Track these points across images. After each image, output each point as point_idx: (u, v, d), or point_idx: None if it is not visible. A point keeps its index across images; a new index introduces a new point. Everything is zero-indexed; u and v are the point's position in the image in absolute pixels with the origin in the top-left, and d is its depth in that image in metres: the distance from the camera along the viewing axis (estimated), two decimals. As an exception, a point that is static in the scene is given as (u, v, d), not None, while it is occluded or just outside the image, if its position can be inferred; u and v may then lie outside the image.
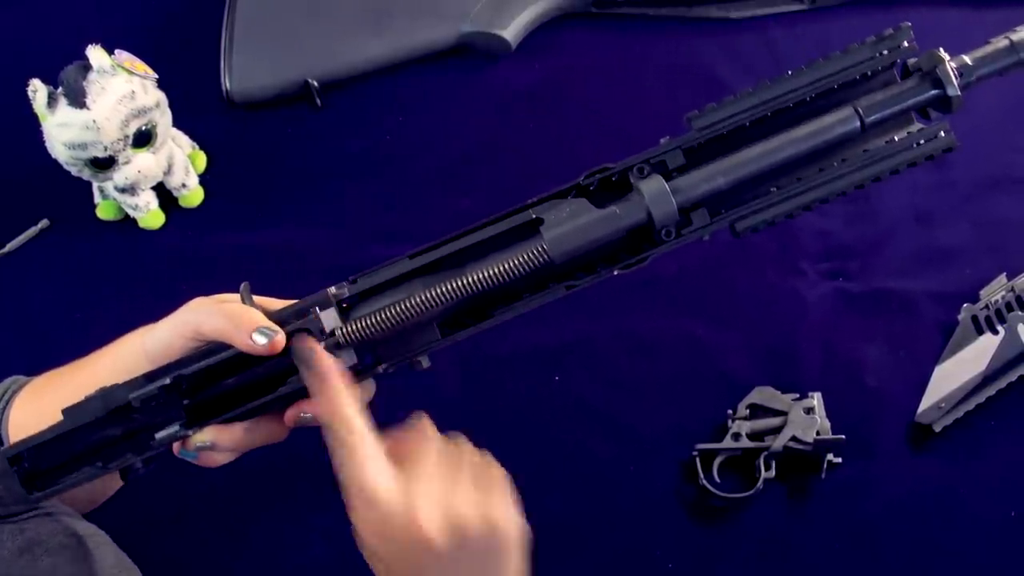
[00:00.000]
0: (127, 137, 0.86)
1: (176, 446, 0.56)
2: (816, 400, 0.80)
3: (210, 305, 0.59)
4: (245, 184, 0.99)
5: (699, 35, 1.06)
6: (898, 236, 0.91)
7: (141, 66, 0.87)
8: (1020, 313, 0.82)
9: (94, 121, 0.83)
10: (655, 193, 0.55)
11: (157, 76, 0.89)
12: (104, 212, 0.95)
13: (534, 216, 0.57)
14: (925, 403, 0.81)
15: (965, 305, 0.84)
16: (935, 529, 0.77)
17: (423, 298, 0.54)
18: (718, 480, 0.78)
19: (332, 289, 0.56)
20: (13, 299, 0.92)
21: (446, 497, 0.54)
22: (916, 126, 0.58)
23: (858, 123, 0.56)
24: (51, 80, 0.84)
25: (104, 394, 0.55)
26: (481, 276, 0.55)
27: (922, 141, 0.57)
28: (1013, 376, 0.81)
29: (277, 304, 0.60)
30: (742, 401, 0.81)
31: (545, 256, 0.55)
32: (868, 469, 0.79)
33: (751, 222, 0.56)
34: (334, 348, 0.55)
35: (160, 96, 0.89)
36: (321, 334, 0.55)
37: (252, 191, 0.99)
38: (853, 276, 0.89)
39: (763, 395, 0.81)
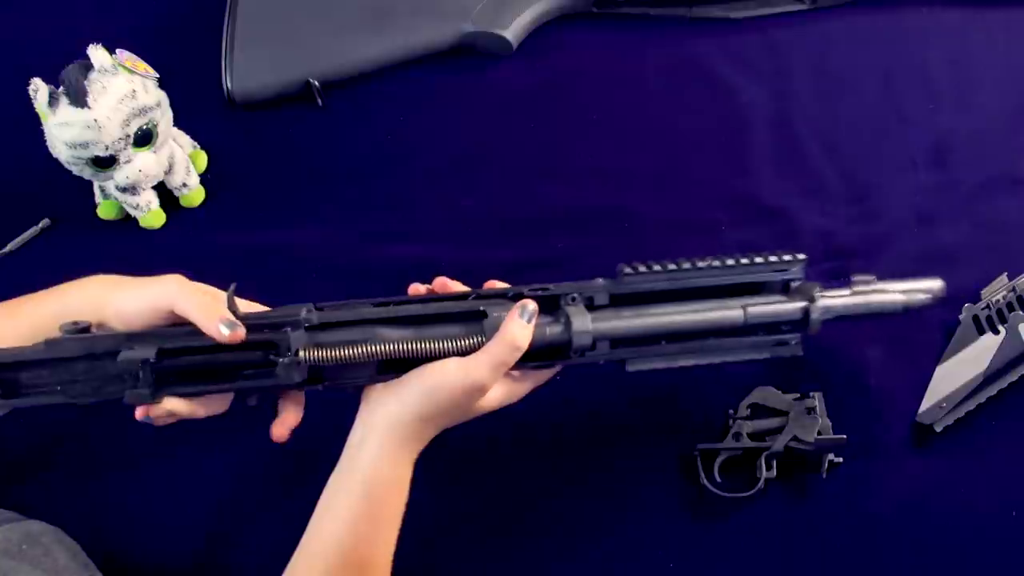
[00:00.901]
0: (128, 136, 0.86)
1: (140, 411, 0.66)
2: (817, 400, 0.80)
3: (189, 288, 0.67)
4: (246, 184, 0.99)
5: (699, 35, 1.06)
6: (899, 236, 0.91)
7: (142, 65, 0.87)
8: (1021, 313, 0.82)
9: (95, 120, 0.83)
10: (580, 325, 0.69)
11: (158, 75, 0.89)
12: (105, 212, 0.95)
13: (481, 308, 0.69)
14: (926, 403, 0.81)
15: (966, 305, 0.84)
16: (936, 529, 0.77)
17: (379, 349, 0.66)
18: (719, 480, 0.78)
19: (303, 312, 0.66)
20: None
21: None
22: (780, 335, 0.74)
23: (742, 320, 0.72)
24: (52, 80, 0.84)
25: (90, 342, 0.65)
26: (428, 346, 0.67)
27: (778, 344, 0.74)
28: (1014, 376, 0.81)
29: (257, 307, 0.70)
30: (743, 401, 0.81)
31: (481, 345, 0.68)
32: (869, 469, 0.79)
33: (640, 366, 0.72)
34: (295, 365, 0.65)
35: (161, 95, 0.89)
36: (287, 351, 0.65)
37: (253, 191, 0.99)
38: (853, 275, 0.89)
39: (764, 395, 0.81)
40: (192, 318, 0.65)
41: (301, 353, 0.65)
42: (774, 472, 0.78)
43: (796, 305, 0.73)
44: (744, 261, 0.72)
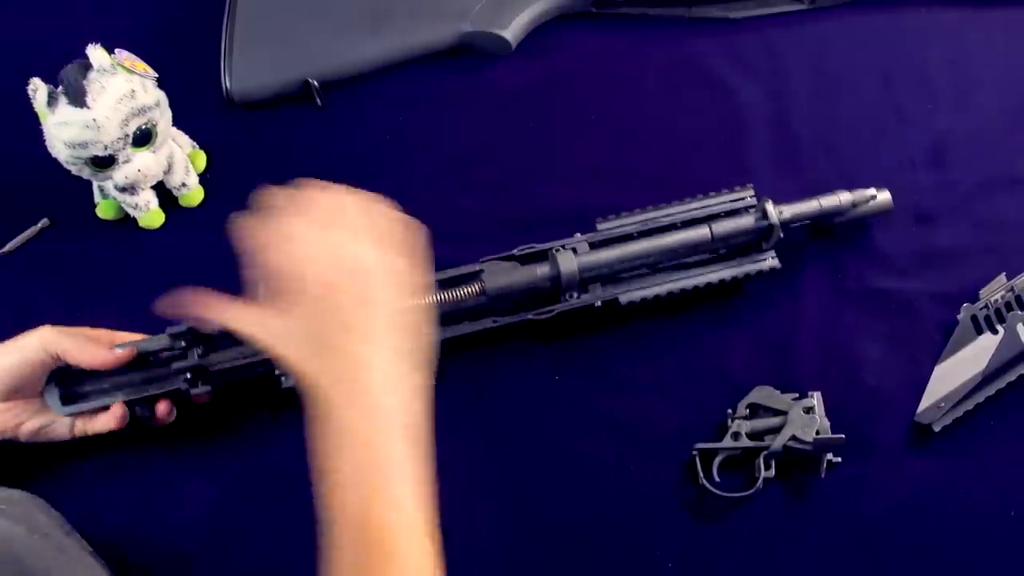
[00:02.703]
0: (127, 136, 0.86)
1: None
2: (816, 400, 0.80)
3: (60, 332, 0.74)
4: (245, 184, 0.98)
5: (699, 35, 1.06)
6: (898, 236, 0.91)
7: (141, 65, 0.87)
8: (1020, 313, 0.82)
9: (94, 120, 0.83)
10: (566, 262, 0.80)
11: (157, 75, 0.89)
12: (104, 211, 0.95)
13: (478, 268, 0.81)
14: (925, 403, 0.81)
15: (965, 305, 0.84)
16: (934, 529, 0.77)
17: None
18: (718, 479, 0.78)
19: None
20: (13, 299, 0.92)
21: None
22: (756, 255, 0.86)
23: (709, 236, 0.83)
24: (51, 79, 0.84)
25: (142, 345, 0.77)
26: (435, 299, 0.78)
27: (754, 262, 0.85)
28: (1013, 376, 0.81)
29: (119, 336, 0.78)
30: (742, 401, 0.81)
31: (482, 288, 0.80)
32: (867, 469, 0.79)
33: (632, 297, 0.83)
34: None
35: (160, 95, 0.89)
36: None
37: (252, 191, 0.98)
38: (853, 275, 0.89)
39: (763, 394, 0.81)
40: (71, 352, 0.73)
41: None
42: (773, 472, 0.78)
43: (753, 216, 0.84)
44: (701, 197, 0.85)
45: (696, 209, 0.85)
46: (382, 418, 0.55)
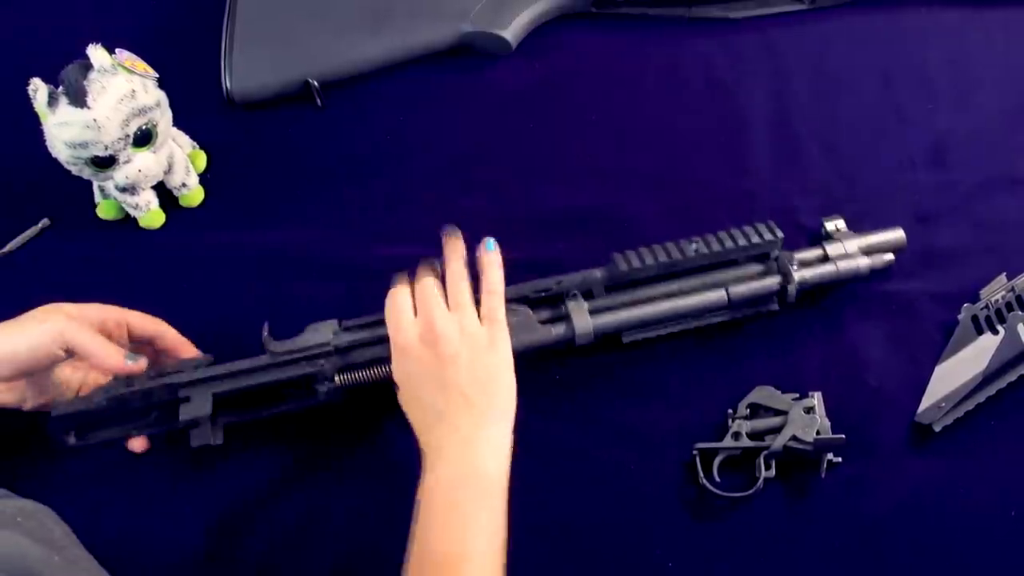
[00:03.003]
0: (128, 136, 0.86)
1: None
2: (816, 400, 0.80)
3: (78, 322, 0.73)
4: (245, 184, 0.99)
5: (699, 35, 1.07)
6: (898, 236, 0.91)
7: (142, 65, 0.87)
8: (1020, 313, 0.82)
9: (95, 120, 0.83)
10: (581, 325, 0.79)
11: (157, 75, 0.89)
12: (104, 211, 0.95)
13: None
14: (925, 403, 0.81)
15: (965, 305, 0.84)
16: (935, 529, 0.77)
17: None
18: (718, 479, 0.78)
19: (331, 338, 0.77)
20: (13, 299, 0.91)
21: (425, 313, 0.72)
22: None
23: (726, 301, 0.82)
24: (51, 79, 0.84)
25: (148, 392, 0.76)
26: None
27: (757, 307, 0.85)
28: (1013, 376, 0.81)
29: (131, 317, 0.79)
30: (742, 400, 0.81)
31: None
32: (868, 469, 0.79)
33: (635, 336, 0.83)
34: (332, 390, 0.77)
35: (160, 95, 0.89)
36: (324, 379, 0.76)
37: (252, 191, 0.99)
38: (853, 276, 0.89)
39: (763, 394, 0.81)
40: (88, 353, 0.72)
41: (337, 379, 0.76)
42: (773, 472, 0.78)
43: (773, 280, 0.83)
44: (728, 244, 0.83)
45: (717, 253, 0.83)
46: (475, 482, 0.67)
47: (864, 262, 0.85)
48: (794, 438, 0.78)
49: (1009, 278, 0.85)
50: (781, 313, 0.85)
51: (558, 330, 0.79)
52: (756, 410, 0.81)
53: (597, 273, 0.81)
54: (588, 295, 0.81)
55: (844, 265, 0.85)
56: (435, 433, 0.69)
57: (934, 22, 1.05)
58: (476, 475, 0.67)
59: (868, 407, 0.82)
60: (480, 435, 0.68)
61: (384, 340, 0.74)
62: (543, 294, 0.80)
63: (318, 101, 1.02)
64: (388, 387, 0.74)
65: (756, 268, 0.85)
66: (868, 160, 0.96)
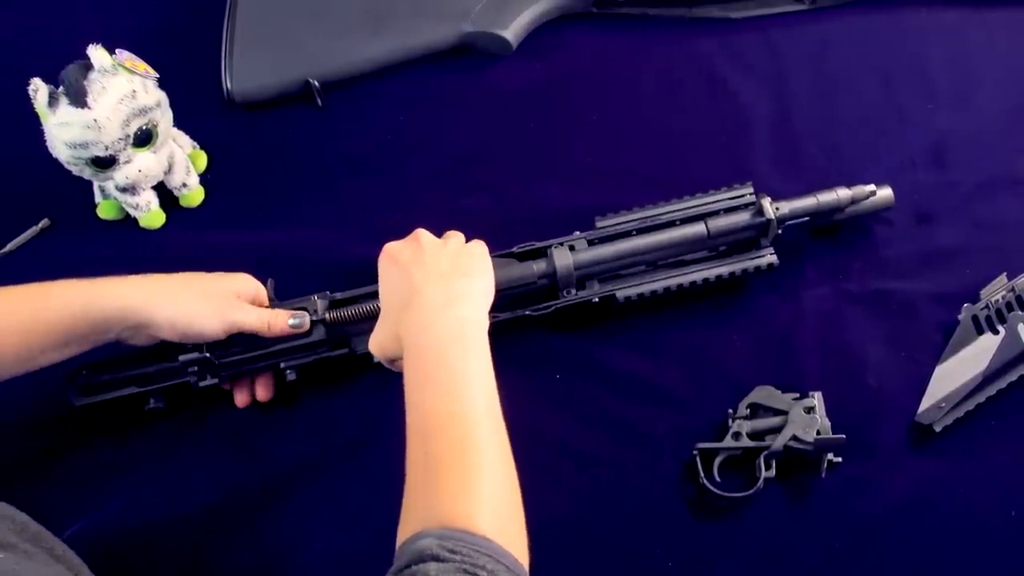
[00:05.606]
0: (128, 136, 0.86)
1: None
2: (816, 400, 0.80)
3: (239, 311, 0.78)
4: (245, 184, 0.99)
5: (699, 35, 1.06)
6: (898, 236, 0.91)
7: (142, 65, 0.87)
8: (1020, 313, 0.82)
9: (95, 120, 0.83)
10: (562, 259, 0.82)
11: (158, 75, 0.89)
12: (105, 212, 0.95)
13: None
14: (925, 403, 0.81)
15: (965, 305, 0.84)
16: (935, 529, 0.77)
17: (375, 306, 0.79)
18: (718, 479, 0.78)
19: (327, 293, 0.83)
20: (13, 299, 0.92)
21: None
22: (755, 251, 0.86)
23: (705, 232, 0.83)
24: (52, 80, 0.84)
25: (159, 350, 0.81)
26: None
27: (752, 259, 0.85)
28: (1013, 376, 0.81)
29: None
30: (742, 400, 0.81)
31: None
32: (868, 469, 0.79)
33: (629, 292, 0.83)
34: (322, 323, 0.81)
35: (161, 95, 0.89)
36: (315, 313, 0.81)
37: (252, 191, 0.99)
38: (853, 276, 0.89)
39: (763, 394, 0.81)
40: (256, 331, 0.78)
41: (326, 315, 0.81)
42: (773, 472, 0.78)
43: (749, 212, 0.84)
44: (700, 195, 0.86)
45: (694, 207, 0.85)
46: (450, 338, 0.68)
47: (844, 192, 0.86)
48: (794, 438, 0.78)
49: (1009, 278, 0.85)
50: (785, 272, 0.85)
51: (539, 265, 0.82)
52: (756, 410, 0.81)
53: (579, 232, 0.85)
54: (572, 250, 0.84)
55: (824, 197, 0.85)
56: (413, 310, 0.70)
57: (934, 22, 1.05)
58: (461, 332, 0.68)
59: (868, 407, 0.82)
60: (458, 300, 0.70)
61: (374, 296, 0.78)
62: (527, 247, 0.84)
63: (318, 101, 1.02)
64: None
65: (736, 211, 0.85)
66: (868, 160, 0.96)
